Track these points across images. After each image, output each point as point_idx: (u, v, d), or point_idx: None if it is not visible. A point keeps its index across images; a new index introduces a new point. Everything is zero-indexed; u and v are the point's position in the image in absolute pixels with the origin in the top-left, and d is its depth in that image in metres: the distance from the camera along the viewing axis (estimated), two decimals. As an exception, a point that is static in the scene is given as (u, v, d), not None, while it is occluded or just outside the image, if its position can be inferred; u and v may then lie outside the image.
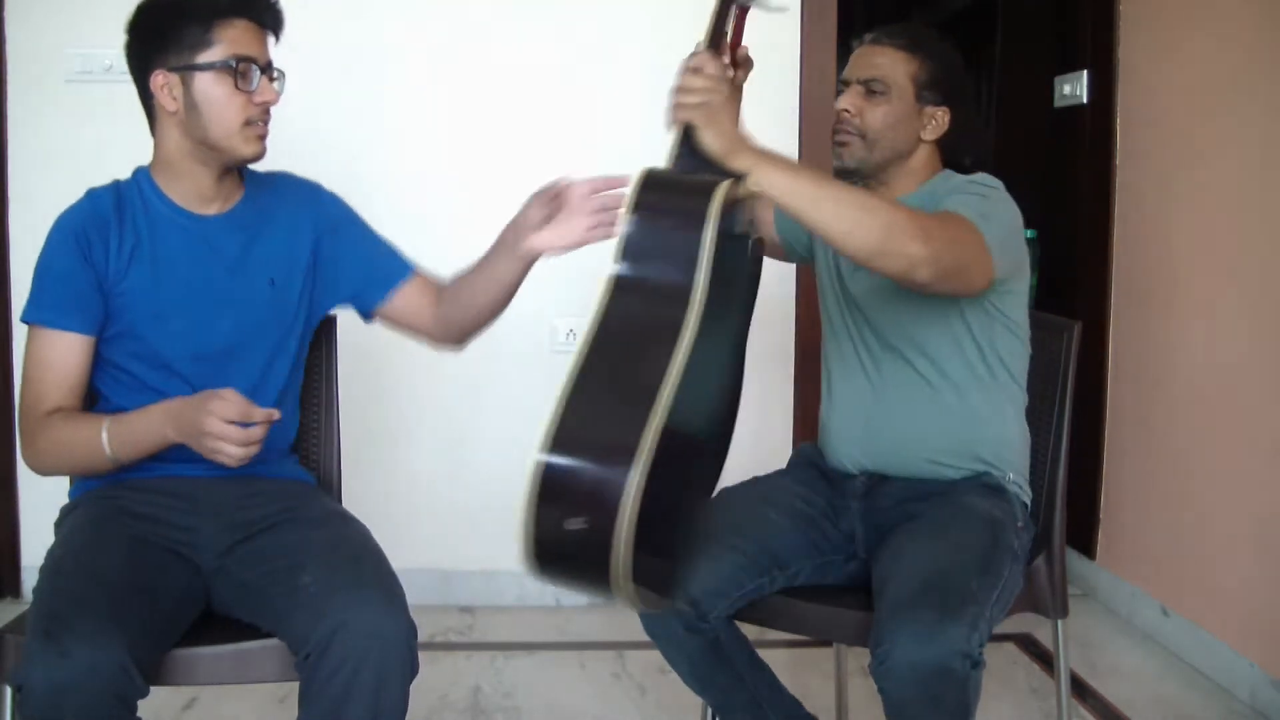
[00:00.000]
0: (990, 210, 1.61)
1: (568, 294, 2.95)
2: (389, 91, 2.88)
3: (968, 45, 4.43)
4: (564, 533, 1.19)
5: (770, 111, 2.94)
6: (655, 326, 1.28)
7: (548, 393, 3.00)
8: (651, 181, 1.38)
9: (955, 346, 1.72)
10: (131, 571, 1.45)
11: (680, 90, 1.42)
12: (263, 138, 1.60)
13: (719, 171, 1.40)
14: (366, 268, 1.75)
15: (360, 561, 1.50)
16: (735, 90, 1.82)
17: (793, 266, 2.33)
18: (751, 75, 3.22)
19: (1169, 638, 2.71)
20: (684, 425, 1.30)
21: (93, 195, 1.64)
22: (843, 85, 1.78)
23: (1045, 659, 2.63)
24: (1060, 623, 1.81)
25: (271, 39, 1.61)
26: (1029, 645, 2.71)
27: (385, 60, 2.88)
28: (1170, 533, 2.73)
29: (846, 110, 1.74)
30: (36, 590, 1.44)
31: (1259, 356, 2.41)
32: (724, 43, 1.45)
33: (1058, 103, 3.19)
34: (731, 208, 1.35)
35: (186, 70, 1.54)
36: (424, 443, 2.96)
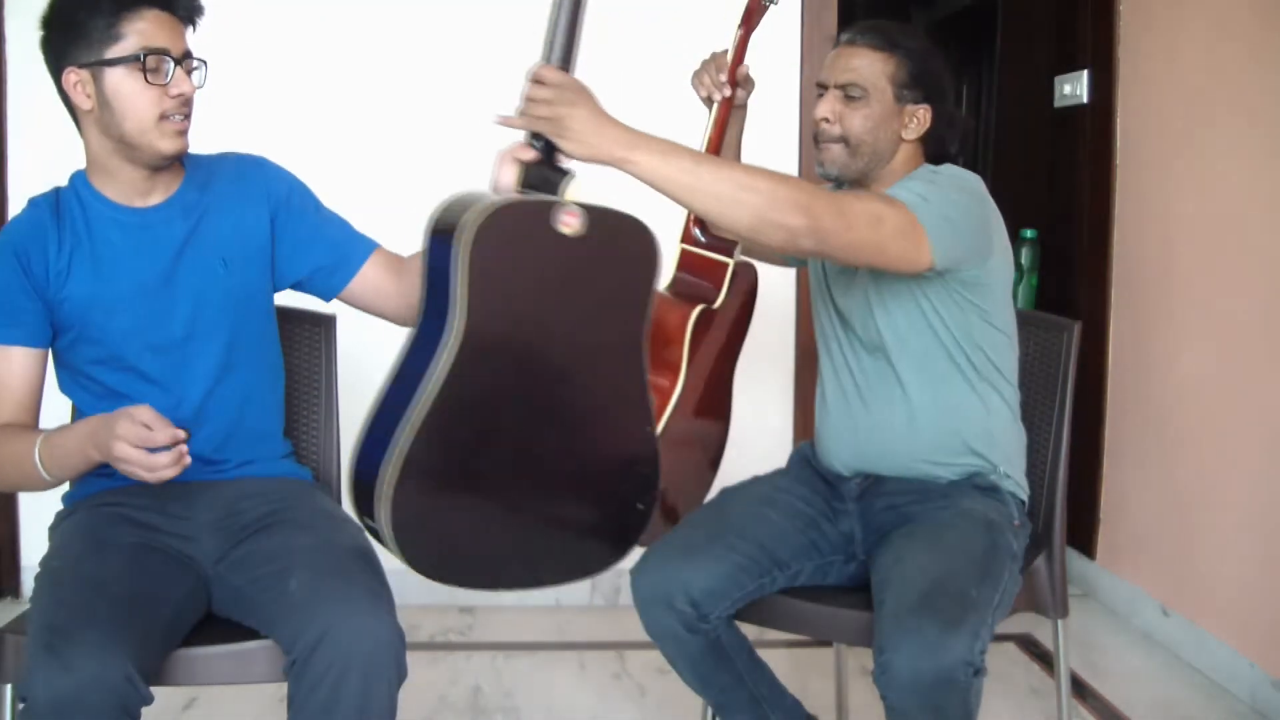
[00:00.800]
0: (933, 193, 1.59)
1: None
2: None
3: (968, 45, 4.44)
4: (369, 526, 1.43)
5: (770, 112, 2.94)
6: (433, 355, 1.38)
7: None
8: (449, 205, 1.46)
9: (935, 344, 1.71)
10: (132, 579, 1.44)
11: (527, 102, 1.39)
12: (182, 132, 1.54)
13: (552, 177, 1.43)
14: (329, 247, 1.69)
15: (347, 566, 1.49)
16: (724, 107, 1.83)
17: (792, 270, 2.33)
18: (752, 74, 3.22)
19: (1169, 638, 2.71)
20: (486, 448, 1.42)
21: (32, 204, 1.61)
22: (820, 89, 1.74)
23: (1045, 659, 2.63)
24: (1060, 623, 1.81)
25: (189, 29, 1.55)
26: (1029, 645, 2.71)
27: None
28: (1170, 533, 2.73)
29: (825, 119, 1.71)
30: (35, 599, 1.43)
31: (1259, 356, 2.41)
32: (571, 58, 1.44)
33: (1058, 103, 3.19)
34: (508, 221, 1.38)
35: (96, 66, 1.49)
36: (424, 443, 2.95)
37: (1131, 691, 2.49)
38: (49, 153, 2.89)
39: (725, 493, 1.85)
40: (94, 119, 1.53)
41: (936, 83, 1.73)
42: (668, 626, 1.67)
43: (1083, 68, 3.05)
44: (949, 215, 1.58)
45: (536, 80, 1.39)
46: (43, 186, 1.65)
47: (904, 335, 1.72)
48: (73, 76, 1.51)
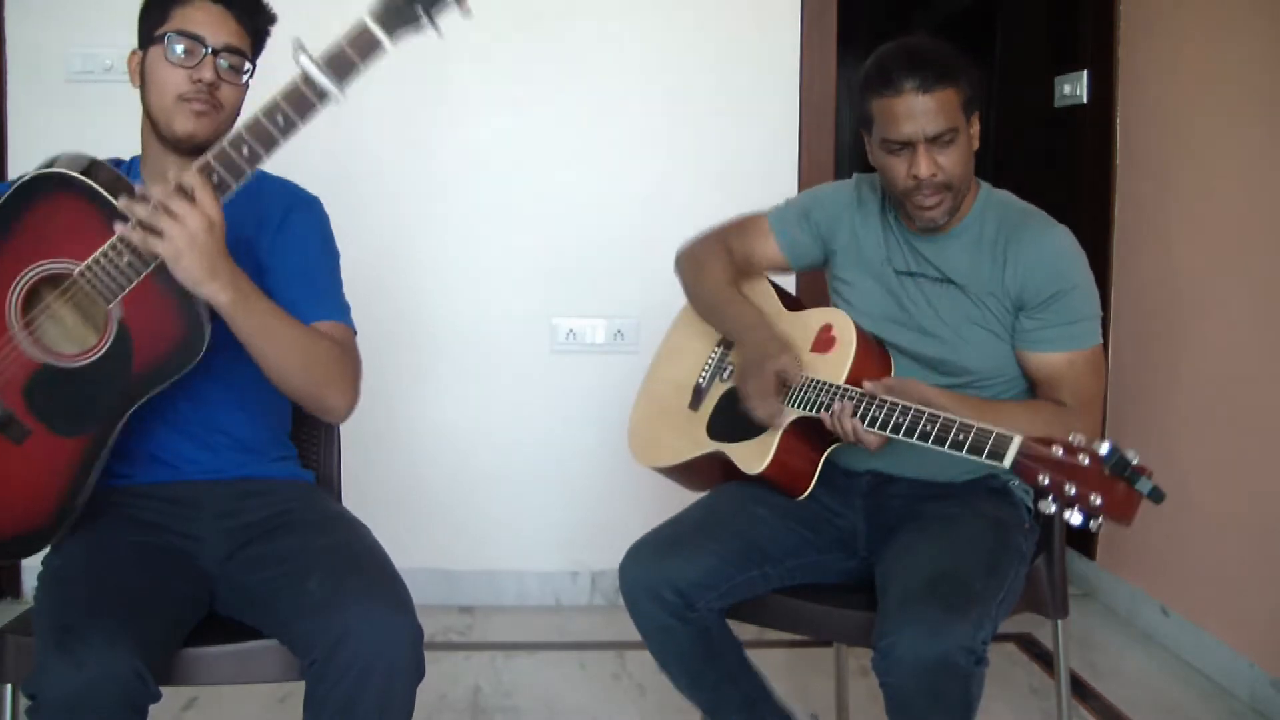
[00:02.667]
0: (1091, 303, 1.68)
1: (567, 294, 2.95)
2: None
3: (968, 45, 4.44)
4: None
5: (770, 112, 2.95)
6: None
7: (547, 392, 3.02)
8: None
9: (990, 366, 1.72)
10: (138, 578, 1.45)
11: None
12: (200, 114, 1.56)
13: None
14: (282, 296, 1.61)
15: (365, 566, 1.50)
16: None
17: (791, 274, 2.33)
18: (751, 76, 3.24)
19: (1169, 638, 2.71)
20: None
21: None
22: (896, 145, 1.63)
23: (1045, 659, 2.63)
24: (1060, 623, 1.81)
25: (247, 30, 1.58)
26: (1029, 645, 2.71)
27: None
28: (1170, 533, 2.73)
29: (932, 174, 1.63)
30: (41, 598, 1.44)
31: (1259, 356, 2.41)
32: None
33: (1058, 103, 3.19)
34: None
35: (146, 47, 1.57)
36: (424, 442, 2.96)
37: (1131, 691, 2.49)
38: (49, 152, 2.90)
39: (718, 490, 1.85)
40: (142, 98, 1.60)
41: (980, 89, 1.68)
42: (655, 618, 1.67)
43: (1083, 68, 3.05)
44: (1099, 314, 1.70)
45: (870, 434, 1.57)
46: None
47: (971, 358, 1.71)
48: (134, 59, 1.60)
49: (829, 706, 2.21)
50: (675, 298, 2.05)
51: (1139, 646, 2.76)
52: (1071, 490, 1.35)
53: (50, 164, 1.47)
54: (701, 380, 1.91)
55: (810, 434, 1.71)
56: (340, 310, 1.66)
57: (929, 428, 1.49)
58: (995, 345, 1.71)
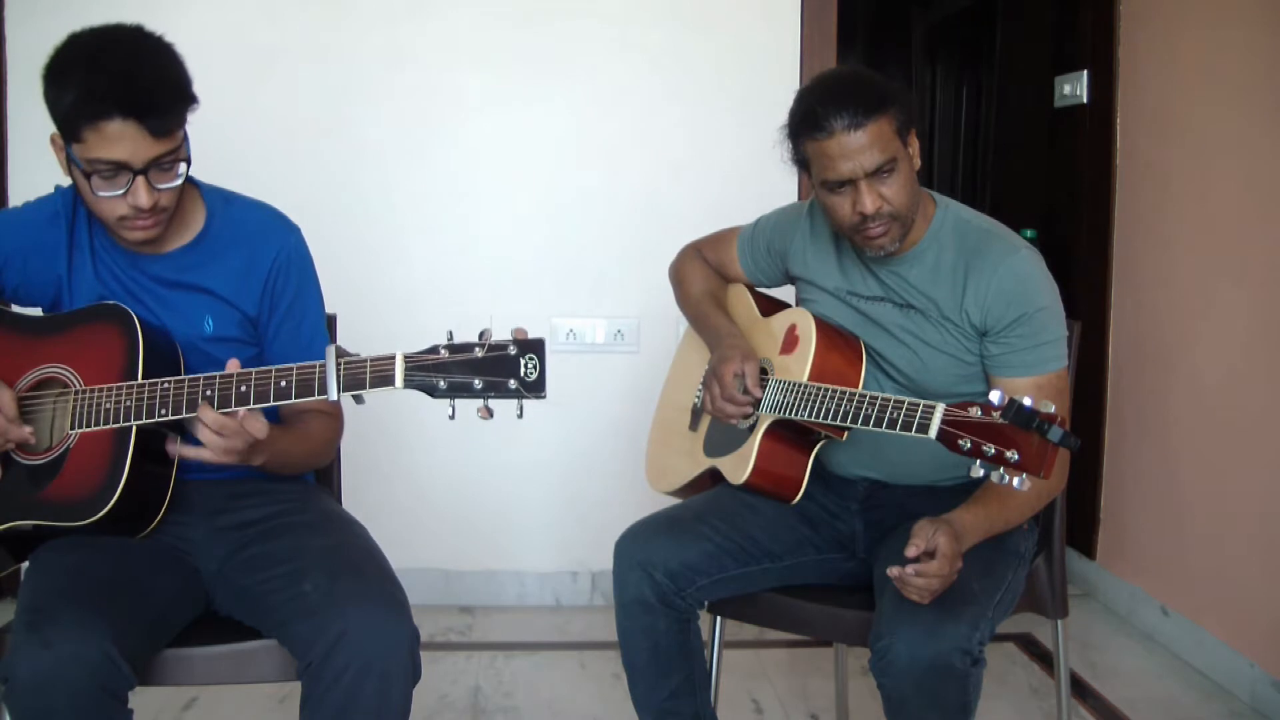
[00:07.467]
0: (1054, 326, 1.64)
1: (568, 294, 2.95)
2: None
3: (968, 45, 4.44)
4: None
5: (770, 112, 2.94)
6: None
7: (547, 392, 2.96)
8: None
9: (962, 383, 1.71)
10: (117, 567, 1.46)
11: (921, 584, 1.46)
12: (149, 228, 1.50)
13: None
14: (281, 352, 1.64)
15: (362, 568, 1.50)
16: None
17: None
18: (750, 77, 3.25)
19: (1169, 638, 2.72)
20: None
21: (52, 209, 1.61)
22: (840, 185, 1.60)
23: (1045, 659, 2.63)
24: (1060, 623, 1.81)
25: (161, 134, 1.44)
26: (1029, 645, 2.71)
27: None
28: (1170, 533, 2.73)
29: (878, 209, 1.59)
30: (22, 588, 1.45)
31: (1259, 356, 2.41)
32: None
33: (1058, 103, 3.19)
34: None
35: (67, 144, 1.47)
36: (424, 443, 2.96)
37: (1131, 691, 2.49)
38: (50, 152, 2.90)
39: (721, 487, 1.85)
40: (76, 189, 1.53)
41: (912, 106, 1.65)
42: (640, 594, 1.68)
43: (1083, 68, 3.05)
44: (1065, 335, 1.66)
45: (930, 572, 1.46)
46: (44, 186, 1.66)
47: (934, 380, 1.71)
48: (56, 140, 1.50)
49: (829, 706, 2.21)
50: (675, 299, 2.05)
51: (1139, 646, 2.76)
52: (990, 450, 1.38)
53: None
54: (698, 400, 1.92)
55: (791, 437, 1.73)
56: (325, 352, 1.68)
57: (869, 410, 1.53)
58: (958, 368, 1.70)
